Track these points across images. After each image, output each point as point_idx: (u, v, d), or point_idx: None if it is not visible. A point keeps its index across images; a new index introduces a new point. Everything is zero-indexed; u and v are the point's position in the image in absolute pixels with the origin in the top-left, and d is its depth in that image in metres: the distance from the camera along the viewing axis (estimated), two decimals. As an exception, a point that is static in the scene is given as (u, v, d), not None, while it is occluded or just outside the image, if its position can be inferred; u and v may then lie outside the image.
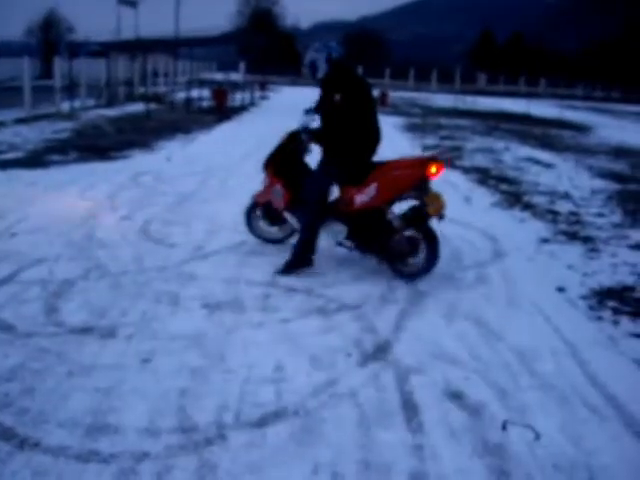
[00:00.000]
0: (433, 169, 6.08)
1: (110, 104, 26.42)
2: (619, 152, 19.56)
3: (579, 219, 9.58)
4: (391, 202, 6.35)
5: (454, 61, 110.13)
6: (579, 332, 5.40)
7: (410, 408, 4.03)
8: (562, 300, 6.18)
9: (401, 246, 6.36)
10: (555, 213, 9.87)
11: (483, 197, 10.87)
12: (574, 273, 7.01)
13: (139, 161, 13.04)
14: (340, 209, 6.48)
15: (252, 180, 11.10)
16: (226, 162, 13.13)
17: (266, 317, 5.23)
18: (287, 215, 6.89)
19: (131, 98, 29.33)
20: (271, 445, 3.58)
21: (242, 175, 11.63)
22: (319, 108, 6.53)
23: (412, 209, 6.36)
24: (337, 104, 6.12)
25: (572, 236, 8.52)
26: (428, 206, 6.12)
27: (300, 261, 6.40)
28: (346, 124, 6.15)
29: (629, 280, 6.86)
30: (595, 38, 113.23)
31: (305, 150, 6.88)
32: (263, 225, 7.38)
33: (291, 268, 6.37)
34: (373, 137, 6.39)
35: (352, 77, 6.37)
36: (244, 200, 7.45)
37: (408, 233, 6.33)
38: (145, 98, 25.96)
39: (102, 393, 4.02)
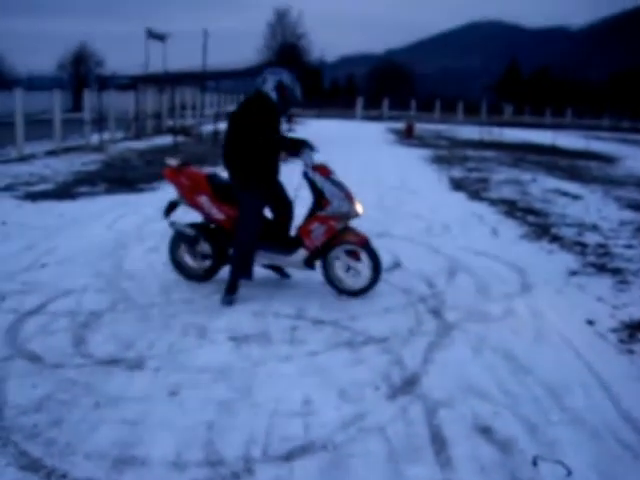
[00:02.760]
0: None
1: (138, 137, 26.72)
2: (647, 183, 19.39)
3: (608, 251, 9.49)
4: None
5: (480, 93, 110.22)
6: (610, 366, 5.32)
7: (439, 443, 3.98)
8: (592, 333, 6.10)
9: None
10: (583, 245, 9.78)
11: (510, 229, 10.80)
12: (604, 305, 6.93)
13: (167, 193, 13.08)
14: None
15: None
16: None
17: (293, 350, 5.22)
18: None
19: (159, 131, 29.67)
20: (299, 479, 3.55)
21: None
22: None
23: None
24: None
25: (601, 268, 8.44)
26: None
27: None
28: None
29: (660, 313, 6.77)
30: (621, 67, 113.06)
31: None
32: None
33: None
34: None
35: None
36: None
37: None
38: (173, 131, 26.24)
39: (129, 425, 4.02)
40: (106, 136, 23.98)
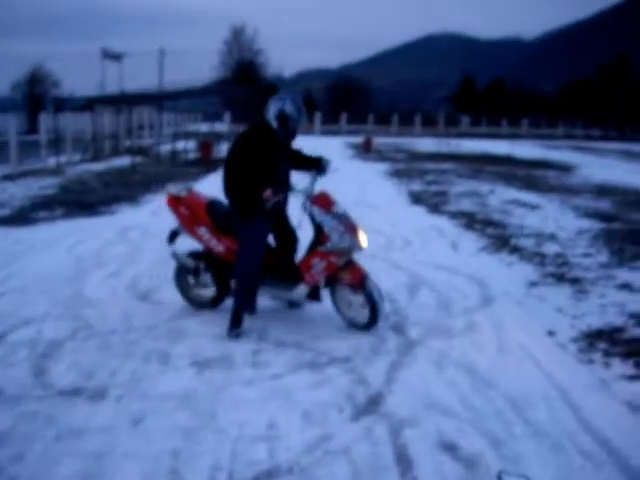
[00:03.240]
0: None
1: (96, 158, 26.54)
2: (603, 191, 19.70)
3: (566, 260, 9.61)
4: None
5: (437, 105, 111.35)
6: (571, 376, 5.40)
7: (404, 462, 4.00)
8: (552, 344, 6.18)
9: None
10: (542, 255, 9.90)
11: (470, 242, 10.90)
12: (563, 316, 7.02)
13: (126, 216, 13.07)
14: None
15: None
16: (213, 214, 13.15)
17: (256, 373, 5.20)
18: None
19: (117, 152, 29.49)
20: (265, 505, 3.55)
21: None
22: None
23: None
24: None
25: (560, 278, 8.55)
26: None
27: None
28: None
29: (618, 321, 6.87)
30: (572, 77, 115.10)
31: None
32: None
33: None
34: None
35: None
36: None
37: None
38: (131, 151, 26.12)
39: (92, 457, 3.98)
40: (63, 159, 23.78)
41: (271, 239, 6.53)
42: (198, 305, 6.92)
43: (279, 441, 4.21)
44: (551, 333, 6.43)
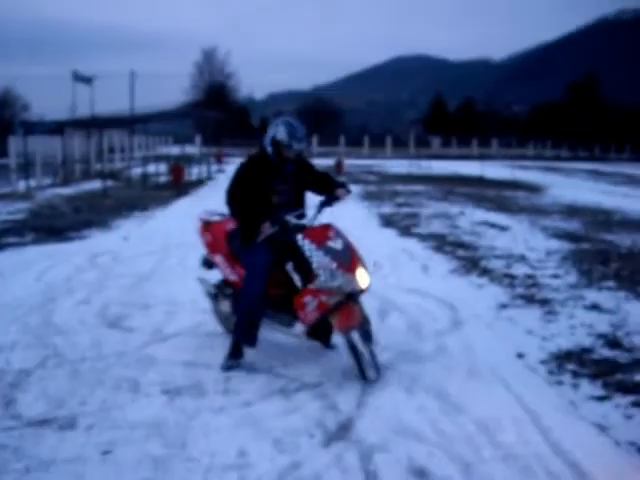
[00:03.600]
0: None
1: (66, 182, 26.39)
2: (572, 211, 19.94)
3: (536, 282, 9.71)
4: None
5: (408, 127, 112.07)
6: (540, 399, 5.43)
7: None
8: (522, 366, 6.22)
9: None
10: (512, 277, 9.99)
11: (440, 264, 10.97)
12: (533, 338, 7.07)
13: (96, 241, 13.00)
14: None
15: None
16: (184, 239, 13.08)
17: (227, 401, 5.18)
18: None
19: (87, 175, 29.37)
20: (236, 535, 3.53)
21: (201, 251, 11.63)
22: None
23: None
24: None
25: (530, 299, 8.63)
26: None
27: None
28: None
29: (587, 342, 6.94)
30: (542, 98, 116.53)
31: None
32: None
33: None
34: None
35: None
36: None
37: None
38: (102, 175, 26.00)
39: (61, 489, 3.95)
40: (33, 183, 23.64)
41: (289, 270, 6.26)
42: (228, 330, 6.58)
43: (250, 469, 4.20)
44: (520, 355, 6.48)
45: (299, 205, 6.24)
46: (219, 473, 4.14)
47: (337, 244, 5.64)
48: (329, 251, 5.58)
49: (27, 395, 5.34)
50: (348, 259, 5.60)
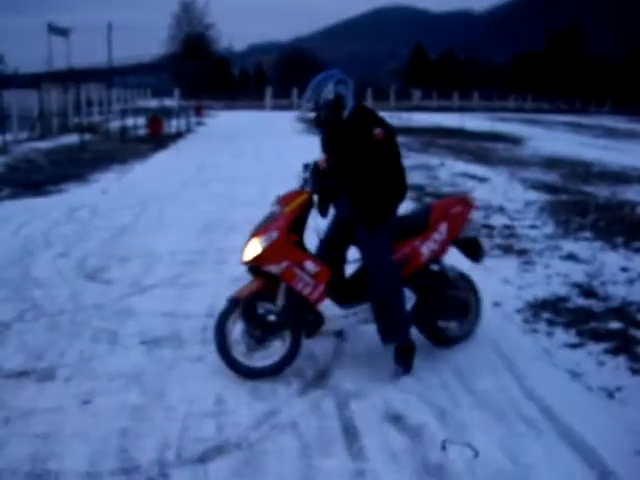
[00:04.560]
0: (472, 202, 5.58)
1: (43, 136, 26.07)
2: (551, 163, 20.00)
3: (513, 232, 9.77)
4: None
5: (388, 79, 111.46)
6: (515, 346, 5.51)
7: (351, 434, 4.07)
8: (498, 315, 6.29)
9: (460, 303, 5.50)
10: (490, 227, 10.05)
11: (419, 215, 10.98)
12: (509, 287, 7.14)
13: (74, 195, 12.91)
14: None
15: (190, 209, 11.12)
16: (163, 192, 13.07)
17: (205, 350, 5.19)
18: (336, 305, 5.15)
19: (65, 129, 29.00)
20: (214, 481, 3.59)
21: (179, 205, 11.64)
22: (344, 156, 4.88)
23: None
24: (379, 140, 4.75)
25: (507, 250, 8.69)
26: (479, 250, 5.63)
27: (412, 350, 5.04)
28: (390, 167, 4.93)
29: (562, 291, 7.02)
30: (523, 49, 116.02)
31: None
32: (243, 344, 4.86)
33: (411, 363, 4.99)
34: (404, 183, 5.10)
35: (374, 111, 5.06)
36: (181, 231, 7.44)
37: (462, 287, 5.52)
38: (79, 129, 25.71)
39: (41, 438, 3.98)
40: (9, 137, 23.32)
41: None
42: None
43: (227, 417, 4.25)
44: (497, 304, 6.54)
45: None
46: (197, 420, 4.19)
47: (274, 208, 4.93)
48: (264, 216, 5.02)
49: (6, 348, 5.35)
50: (259, 226, 4.90)
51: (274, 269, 4.70)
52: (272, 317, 4.79)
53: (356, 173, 4.82)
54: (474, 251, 5.61)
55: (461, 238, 5.45)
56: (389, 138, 4.88)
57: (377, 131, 4.77)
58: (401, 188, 5.04)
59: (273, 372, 4.78)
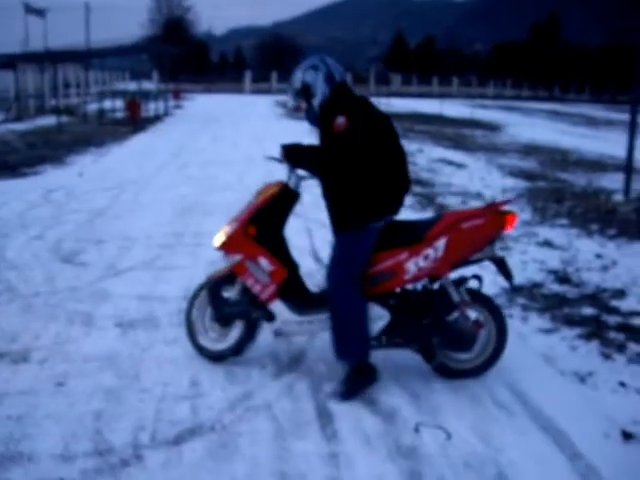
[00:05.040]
0: (513, 220, 4.53)
1: (20, 118, 25.83)
2: (529, 150, 20.11)
3: (490, 218, 9.81)
4: (455, 268, 4.64)
5: (368, 64, 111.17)
6: (489, 331, 5.54)
7: (325, 417, 4.08)
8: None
9: (461, 331, 4.56)
10: (467, 213, 10.08)
11: (397, 200, 11.01)
12: (485, 272, 7.12)
13: (51, 177, 12.82)
14: (369, 288, 4.48)
15: (167, 192, 11.07)
16: (139, 175, 13.01)
17: (181, 333, 5.18)
18: (277, 306, 4.65)
19: (42, 111, 28.76)
20: (187, 462, 3.59)
21: (156, 188, 11.59)
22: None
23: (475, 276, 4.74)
24: (340, 131, 4.23)
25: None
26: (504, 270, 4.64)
27: (361, 374, 4.42)
28: (356, 159, 4.29)
29: (538, 277, 7.08)
30: (504, 38, 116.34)
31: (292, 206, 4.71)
32: (209, 327, 4.88)
33: (355, 389, 4.37)
34: (399, 183, 4.49)
35: (361, 102, 4.52)
36: (158, 214, 7.41)
37: (473, 313, 4.67)
38: (56, 111, 25.48)
39: (14, 421, 3.96)
40: (-15, 119, 23.10)
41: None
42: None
43: (202, 399, 4.25)
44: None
45: None
46: (171, 403, 4.19)
47: (252, 198, 4.80)
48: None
49: (-21, 330, 5.31)
50: (235, 215, 4.79)
51: (230, 260, 4.67)
52: (229, 304, 4.76)
53: (321, 169, 4.47)
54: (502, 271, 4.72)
55: (483, 258, 4.62)
56: (354, 129, 4.22)
57: (339, 121, 4.22)
58: (388, 191, 4.40)
59: (232, 354, 4.76)
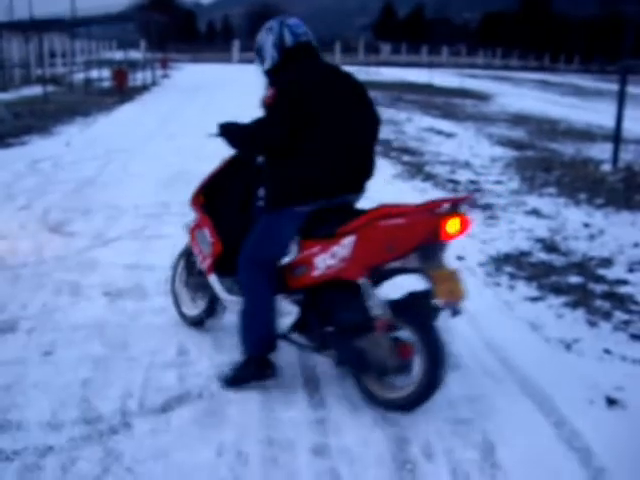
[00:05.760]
0: (453, 226, 3.45)
1: (5, 88, 25.54)
2: (518, 119, 20.09)
3: (479, 187, 9.83)
4: (375, 273, 3.74)
5: (357, 33, 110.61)
6: (476, 299, 5.52)
7: (312, 384, 4.10)
8: (461, 268, 6.33)
9: (380, 353, 3.72)
10: (455, 182, 10.10)
11: (384, 169, 10.97)
12: (473, 241, 7.20)
13: (37, 147, 12.73)
14: (288, 279, 4.07)
15: (154, 162, 11.01)
16: (127, 145, 12.93)
17: (168, 302, 5.15)
18: (212, 281, 4.44)
19: (28, 81, 28.45)
20: (175, 429, 3.60)
21: (144, 158, 11.52)
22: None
23: (410, 294, 3.82)
24: (268, 104, 3.87)
25: (471, 204, 8.72)
26: (436, 287, 3.52)
27: (253, 366, 4.05)
28: (280, 136, 3.83)
29: (525, 245, 7.10)
30: (494, 6, 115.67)
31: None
32: (183, 293, 4.93)
33: (241, 379, 4.07)
34: (344, 165, 3.90)
35: (316, 71, 4.09)
36: (145, 184, 7.36)
37: (397, 333, 3.80)
38: (42, 80, 25.21)
39: (2, 390, 3.96)
40: (-30, 88, 22.87)
41: None
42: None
43: (190, 367, 4.26)
44: (460, 258, 6.59)
45: None
46: (159, 371, 4.20)
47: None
48: None
49: (-34, 300, 5.30)
50: None
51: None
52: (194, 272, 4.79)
53: (246, 146, 4.17)
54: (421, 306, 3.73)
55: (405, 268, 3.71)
56: (281, 104, 3.81)
57: (268, 93, 3.88)
58: (319, 173, 3.84)
59: (198, 323, 4.79)
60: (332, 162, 3.84)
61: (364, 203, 4.04)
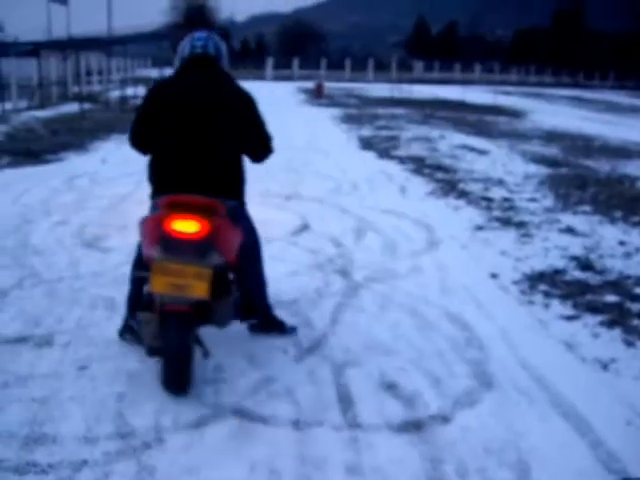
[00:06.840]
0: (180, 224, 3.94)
1: (43, 105, 25.95)
2: (551, 136, 19.95)
3: (512, 205, 9.77)
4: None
5: (390, 50, 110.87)
6: (511, 317, 5.54)
7: (346, 401, 4.10)
8: (495, 286, 6.32)
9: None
10: (489, 200, 10.05)
11: (418, 186, 11.00)
12: (507, 259, 7.16)
13: (74, 164, 12.89)
14: None
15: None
16: (162, 161, 13.02)
17: (203, 318, 5.22)
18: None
19: (65, 98, 28.86)
20: (209, 446, 3.62)
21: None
22: None
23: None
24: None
25: (506, 222, 8.70)
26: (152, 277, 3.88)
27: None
28: (137, 133, 4.57)
29: (560, 263, 7.04)
30: (526, 24, 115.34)
31: None
32: None
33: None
34: (168, 166, 4.43)
35: (180, 77, 4.54)
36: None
37: None
38: (79, 98, 25.57)
39: (39, 403, 4.00)
40: (8, 106, 23.21)
41: None
42: None
43: (224, 384, 4.28)
44: (494, 275, 6.57)
45: None
46: (194, 386, 4.21)
47: None
48: None
49: (4, 314, 5.35)
50: None
51: None
52: None
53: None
54: None
55: None
56: (142, 104, 4.47)
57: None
58: (158, 171, 4.53)
59: None
60: (174, 162, 4.33)
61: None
